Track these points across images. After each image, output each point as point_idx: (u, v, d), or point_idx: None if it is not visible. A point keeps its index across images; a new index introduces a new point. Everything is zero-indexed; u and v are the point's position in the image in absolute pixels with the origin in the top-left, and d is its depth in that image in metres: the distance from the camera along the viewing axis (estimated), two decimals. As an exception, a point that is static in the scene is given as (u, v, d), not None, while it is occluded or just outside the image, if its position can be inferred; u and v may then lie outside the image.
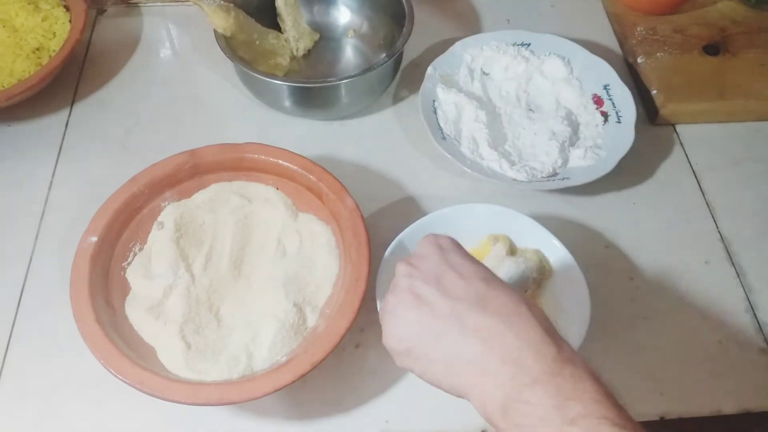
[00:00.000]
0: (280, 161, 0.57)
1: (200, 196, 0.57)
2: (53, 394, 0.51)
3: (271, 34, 0.70)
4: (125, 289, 0.53)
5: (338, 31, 0.75)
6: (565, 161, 0.63)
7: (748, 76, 0.69)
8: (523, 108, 0.68)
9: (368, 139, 0.67)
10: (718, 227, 0.61)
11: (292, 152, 0.57)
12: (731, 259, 0.59)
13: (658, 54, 0.71)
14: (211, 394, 0.44)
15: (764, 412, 0.51)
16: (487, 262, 0.53)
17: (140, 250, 0.55)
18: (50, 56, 0.67)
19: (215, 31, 0.65)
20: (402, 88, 0.71)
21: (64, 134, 0.66)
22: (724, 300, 0.57)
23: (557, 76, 0.69)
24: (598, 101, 0.67)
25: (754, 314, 0.56)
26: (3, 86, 0.64)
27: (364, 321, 0.52)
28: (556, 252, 0.54)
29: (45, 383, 0.51)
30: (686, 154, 0.67)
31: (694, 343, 0.54)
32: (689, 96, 0.68)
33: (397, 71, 0.70)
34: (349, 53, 0.74)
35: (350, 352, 0.53)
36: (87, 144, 0.66)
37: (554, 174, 0.62)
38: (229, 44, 0.65)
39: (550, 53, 0.70)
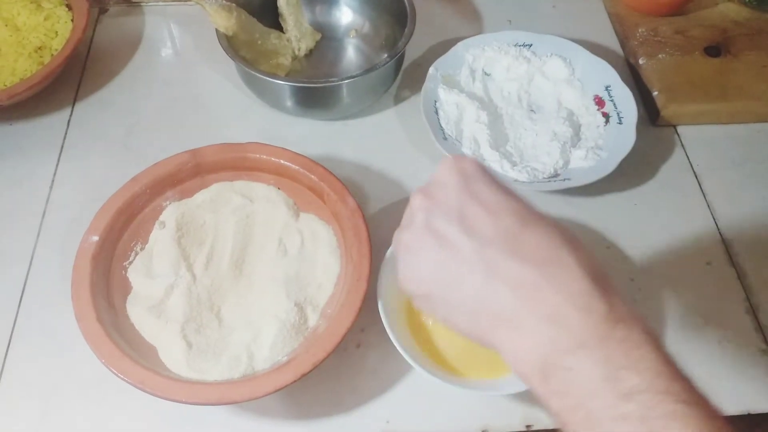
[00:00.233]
0: (282, 161, 0.57)
1: (201, 196, 0.57)
2: (54, 394, 0.51)
3: (273, 33, 0.70)
4: (126, 288, 0.53)
5: (340, 31, 0.75)
6: (567, 162, 0.63)
7: (750, 78, 0.69)
8: (525, 109, 0.68)
9: (370, 139, 0.67)
10: (719, 228, 0.61)
11: (294, 152, 0.57)
12: (732, 260, 0.59)
13: (660, 55, 0.71)
14: (212, 394, 0.44)
15: (765, 414, 0.51)
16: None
17: (141, 249, 0.55)
18: (52, 55, 0.67)
19: (217, 30, 0.65)
20: (403, 88, 0.71)
21: (66, 133, 0.66)
22: (725, 301, 0.57)
23: (559, 76, 0.69)
24: (599, 102, 0.67)
25: (755, 315, 0.56)
26: (5, 85, 0.64)
27: (365, 321, 0.52)
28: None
29: (46, 382, 0.51)
30: (687, 156, 0.67)
31: (694, 343, 0.54)
32: (690, 97, 0.68)
33: (399, 71, 0.70)
34: (351, 53, 0.74)
35: (351, 352, 0.53)
36: (89, 143, 0.66)
37: (555, 175, 0.62)
38: (230, 44, 0.65)
39: (551, 54, 0.70)
